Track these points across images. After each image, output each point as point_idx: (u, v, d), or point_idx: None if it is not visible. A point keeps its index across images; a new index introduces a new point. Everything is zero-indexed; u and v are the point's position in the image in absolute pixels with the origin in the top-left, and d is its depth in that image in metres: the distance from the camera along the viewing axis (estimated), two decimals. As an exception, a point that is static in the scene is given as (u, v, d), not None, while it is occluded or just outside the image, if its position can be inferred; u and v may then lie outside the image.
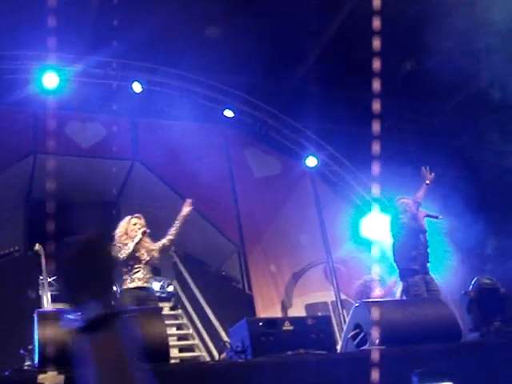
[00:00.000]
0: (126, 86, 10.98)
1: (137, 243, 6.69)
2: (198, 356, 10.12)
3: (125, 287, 6.70)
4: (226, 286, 11.79)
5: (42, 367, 3.69)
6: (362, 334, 5.25)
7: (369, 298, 8.12)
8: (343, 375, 4.45)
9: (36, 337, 4.01)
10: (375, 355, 4.21)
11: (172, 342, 9.63)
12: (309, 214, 12.23)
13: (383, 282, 10.05)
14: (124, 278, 6.74)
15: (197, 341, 10.46)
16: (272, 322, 5.48)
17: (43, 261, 10.11)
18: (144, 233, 6.81)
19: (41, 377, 3.45)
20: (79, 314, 1.81)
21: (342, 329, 7.67)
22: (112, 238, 6.62)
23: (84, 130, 10.69)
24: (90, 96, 10.51)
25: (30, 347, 4.76)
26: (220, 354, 9.16)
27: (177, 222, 7.18)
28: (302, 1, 9.61)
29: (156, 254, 6.89)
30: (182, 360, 9.83)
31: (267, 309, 11.29)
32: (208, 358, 9.77)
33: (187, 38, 10.05)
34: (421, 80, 9.60)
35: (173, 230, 7.11)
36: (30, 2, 8.20)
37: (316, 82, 10.49)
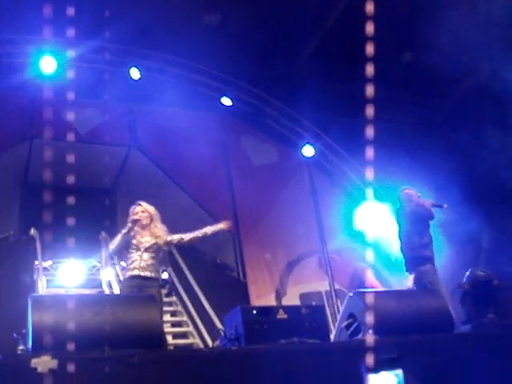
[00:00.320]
0: (123, 71, 10.94)
1: (127, 232, 6.56)
2: (192, 343, 10.15)
3: (125, 277, 6.65)
4: (221, 274, 11.82)
5: (36, 352, 3.70)
6: (355, 324, 5.27)
7: (361, 286, 8.15)
8: (336, 364, 4.47)
9: (30, 321, 4.01)
10: (368, 345, 4.23)
11: (166, 328, 9.65)
12: (305, 204, 12.24)
13: (376, 270, 10.08)
14: (126, 266, 6.69)
15: (191, 328, 10.49)
16: (266, 311, 5.50)
17: (38, 245, 10.13)
18: (134, 221, 6.63)
19: (34, 361, 3.46)
20: None
21: (336, 319, 7.70)
22: None
23: (81, 115, 10.66)
24: (88, 81, 10.46)
25: (23, 331, 4.76)
26: (214, 341, 9.19)
27: (201, 231, 6.85)
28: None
29: (160, 242, 6.69)
30: (176, 347, 9.86)
31: (261, 297, 11.31)
32: (201, 345, 9.80)
33: (186, 25, 10.01)
34: (419, 72, 9.59)
35: (190, 235, 6.82)
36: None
37: (314, 72, 10.46)
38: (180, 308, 10.93)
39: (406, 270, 7.60)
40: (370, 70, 2.78)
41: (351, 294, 5.51)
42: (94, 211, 11.60)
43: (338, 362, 4.48)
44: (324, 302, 11.00)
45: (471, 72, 9.08)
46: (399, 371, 4.26)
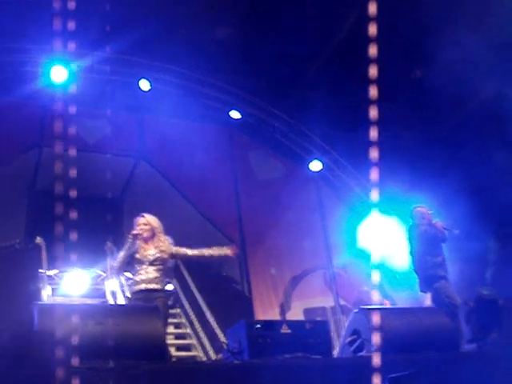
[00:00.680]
0: (132, 83, 10.98)
1: (129, 247, 6.50)
2: (195, 356, 10.11)
3: (132, 291, 6.62)
4: (226, 287, 11.80)
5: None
6: (359, 340, 5.26)
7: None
8: (339, 380, 4.46)
9: (35, 329, 4.03)
10: (372, 361, 4.20)
11: (169, 340, 9.63)
12: (311, 219, 12.22)
13: (383, 290, 10.06)
14: (132, 279, 6.65)
15: (194, 340, 10.46)
16: (270, 325, 5.49)
17: (44, 254, 10.15)
18: (134, 236, 6.57)
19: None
20: None
21: (340, 334, 7.67)
22: None
23: (90, 125, 10.70)
24: (97, 91, 10.52)
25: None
26: (217, 354, 9.17)
27: (208, 251, 6.75)
28: (310, 6, 9.60)
29: (165, 255, 6.63)
30: (179, 359, 9.83)
31: (266, 311, 11.29)
32: (204, 358, 9.77)
33: (195, 38, 10.06)
34: (425, 89, 9.60)
35: (195, 252, 6.75)
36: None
37: (322, 86, 10.48)
38: (184, 320, 10.90)
39: (421, 290, 7.56)
40: (373, 91, 2.80)
41: (356, 311, 5.50)
42: (101, 221, 11.59)
43: (341, 377, 4.47)
44: (328, 318, 10.96)
45: (478, 90, 9.09)
46: None
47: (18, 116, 10.32)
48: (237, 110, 11.82)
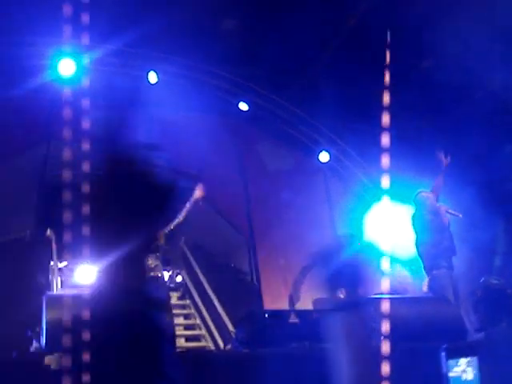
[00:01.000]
0: (140, 75, 11.00)
1: None
2: (204, 346, 10.18)
3: None
4: (235, 278, 11.85)
5: (49, 350, 3.75)
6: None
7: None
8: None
9: (44, 320, 4.06)
10: (380, 350, 4.22)
11: (179, 331, 9.69)
12: (320, 210, 12.23)
13: (394, 275, 10.04)
14: None
15: (203, 331, 10.53)
16: (278, 315, 5.52)
17: (54, 246, 10.21)
18: None
19: (47, 359, 3.50)
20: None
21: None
22: None
23: (97, 118, 10.73)
24: (105, 84, 10.54)
25: (37, 330, 4.82)
26: (226, 344, 9.21)
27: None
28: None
29: (161, 241, 6.78)
30: (188, 350, 9.89)
31: (275, 302, 11.31)
32: (213, 348, 9.83)
33: (203, 29, 10.05)
34: (435, 80, 9.57)
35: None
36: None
37: (330, 78, 10.46)
38: (193, 311, 10.96)
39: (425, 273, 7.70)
40: (385, 77, 2.81)
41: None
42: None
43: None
44: (337, 308, 10.96)
45: (485, 81, 9.06)
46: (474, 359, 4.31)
47: (26, 109, 10.36)
48: (245, 102, 11.82)
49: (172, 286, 11.28)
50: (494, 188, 9.49)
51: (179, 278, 11.50)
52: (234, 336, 5.95)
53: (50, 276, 9.88)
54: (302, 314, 5.80)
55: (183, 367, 4.14)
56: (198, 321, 10.74)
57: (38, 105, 10.48)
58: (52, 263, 10.06)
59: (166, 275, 11.13)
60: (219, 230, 11.97)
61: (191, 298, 11.11)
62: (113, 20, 9.43)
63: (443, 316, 5.55)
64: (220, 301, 10.50)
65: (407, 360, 4.38)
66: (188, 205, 6.90)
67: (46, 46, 10.09)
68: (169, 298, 6.59)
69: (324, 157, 12.28)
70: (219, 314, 10.25)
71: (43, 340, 3.98)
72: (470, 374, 4.31)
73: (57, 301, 4.30)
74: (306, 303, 11.43)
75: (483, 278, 6.41)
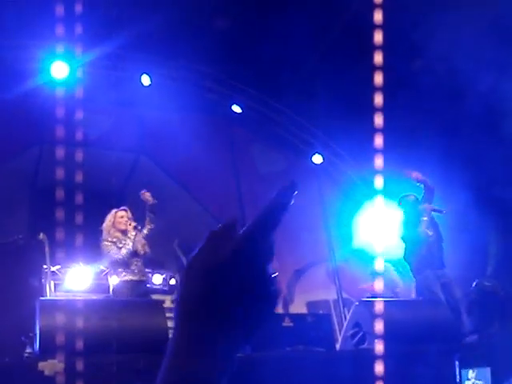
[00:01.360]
0: (133, 77, 10.98)
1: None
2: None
3: (122, 279, 6.73)
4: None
5: (43, 355, 3.73)
6: (360, 333, 5.28)
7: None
8: (341, 373, 4.48)
9: (38, 325, 4.05)
10: (373, 354, 4.23)
11: (172, 335, 9.66)
12: (313, 212, 12.23)
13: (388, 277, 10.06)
14: (119, 270, 6.77)
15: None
16: (272, 318, 5.52)
17: (47, 250, 10.17)
18: (135, 228, 6.81)
19: (41, 364, 3.49)
20: None
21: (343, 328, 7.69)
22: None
23: (90, 121, 10.71)
24: (97, 87, 10.53)
25: (31, 335, 4.79)
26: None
27: (148, 212, 7.13)
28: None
29: (147, 248, 6.92)
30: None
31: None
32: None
33: (195, 30, 10.05)
34: (428, 80, 9.59)
35: (147, 220, 7.11)
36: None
37: (322, 79, 10.48)
38: (187, 314, 10.93)
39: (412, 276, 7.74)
40: (378, 77, 2.81)
41: (357, 303, 5.52)
42: (102, 216, 11.64)
43: (343, 370, 4.49)
44: (331, 311, 10.99)
45: (476, 81, 9.09)
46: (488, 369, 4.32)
47: (19, 113, 10.33)
48: (238, 104, 11.83)
49: (166, 289, 11.26)
50: (486, 190, 9.51)
51: (173, 281, 11.48)
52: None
53: (43, 279, 9.84)
54: (295, 317, 5.79)
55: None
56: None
57: (30, 108, 10.45)
58: (45, 266, 10.02)
59: (160, 278, 11.12)
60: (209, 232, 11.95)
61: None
62: (104, 22, 9.42)
63: (437, 319, 5.56)
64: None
65: (416, 363, 4.38)
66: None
67: (38, 49, 10.06)
68: None
69: (317, 159, 12.30)
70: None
71: (37, 345, 3.96)
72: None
73: (50, 306, 4.28)
74: (299, 306, 11.48)
75: (476, 281, 6.45)
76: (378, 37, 2.87)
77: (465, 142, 9.47)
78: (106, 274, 10.65)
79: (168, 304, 10.84)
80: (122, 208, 7.02)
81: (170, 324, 9.51)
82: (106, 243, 6.68)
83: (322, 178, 12.58)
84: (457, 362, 4.26)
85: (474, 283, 6.45)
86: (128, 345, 4.07)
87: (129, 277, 6.62)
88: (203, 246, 1.16)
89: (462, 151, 9.73)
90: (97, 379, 3.65)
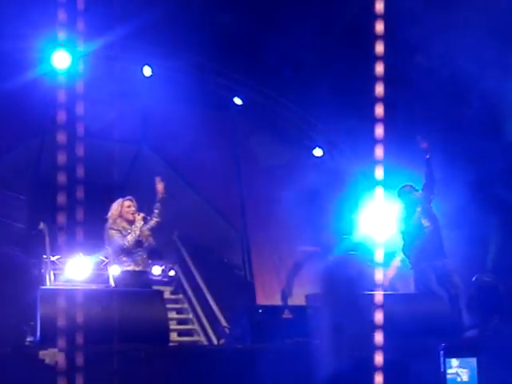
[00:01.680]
0: (135, 69, 10.97)
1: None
2: (197, 341, 10.18)
3: (125, 269, 6.76)
4: (228, 273, 11.85)
5: (44, 344, 3.74)
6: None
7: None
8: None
9: (38, 314, 4.06)
10: (376, 344, 4.23)
11: (172, 326, 9.69)
12: (313, 205, 12.22)
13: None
14: (124, 259, 6.79)
15: (196, 326, 10.53)
16: (271, 310, 5.52)
17: (47, 239, 10.20)
18: (144, 218, 6.87)
19: (42, 353, 3.50)
20: None
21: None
22: None
23: (92, 111, 10.70)
24: (100, 77, 10.51)
25: (31, 323, 4.81)
26: (219, 339, 9.23)
27: (157, 204, 7.09)
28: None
29: (151, 239, 6.97)
30: (181, 344, 9.90)
31: (268, 297, 11.33)
32: (206, 343, 9.83)
33: (198, 23, 10.03)
34: (430, 76, 9.58)
35: (156, 213, 7.06)
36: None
37: (324, 72, 10.46)
38: (186, 305, 10.96)
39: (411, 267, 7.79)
40: (379, 70, 2.80)
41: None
42: (104, 207, 11.65)
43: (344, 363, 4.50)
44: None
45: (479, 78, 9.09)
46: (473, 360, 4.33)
47: (20, 103, 10.32)
48: (239, 96, 11.81)
49: (165, 280, 11.28)
50: (487, 186, 9.52)
51: (172, 273, 11.50)
52: (227, 331, 5.97)
53: (43, 269, 9.87)
54: (295, 309, 5.81)
55: (177, 361, 4.15)
56: (191, 315, 10.75)
57: (32, 98, 10.44)
58: (45, 256, 10.05)
59: (159, 269, 11.15)
60: (213, 225, 11.97)
61: (184, 292, 11.11)
62: (107, 13, 9.39)
63: (437, 313, 5.57)
64: (213, 296, 10.51)
65: (404, 356, 4.40)
66: None
67: (39, 39, 10.04)
68: None
69: (318, 152, 12.32)
70: (212, 309, 10.26)
71: (38, 334, 3.98)
72: (464, 376, 4.32)
73: (51, 295, 4.29)
74: (298, 298, 11.50)
75: (476, 276, 6.45)
76: (380, 27, 2.86)
77: (466, 136, 9.47)
78: (106, 264, 10.68)
79: (167, 295, 10.87)
80: (127, 198, 7.04)
81: (170, 315, 9.54)
82: (112, 231, 6.72)
83: (322, 171, 12.59)
84: (441, 352, 4.27)
85: (474, 278, 6.46)
86: (129, 334, 4.08)
87: (132, 267, 6.65)
88: None
89: (464, 147, 9.73)
90: (97, 368, 3.66)
